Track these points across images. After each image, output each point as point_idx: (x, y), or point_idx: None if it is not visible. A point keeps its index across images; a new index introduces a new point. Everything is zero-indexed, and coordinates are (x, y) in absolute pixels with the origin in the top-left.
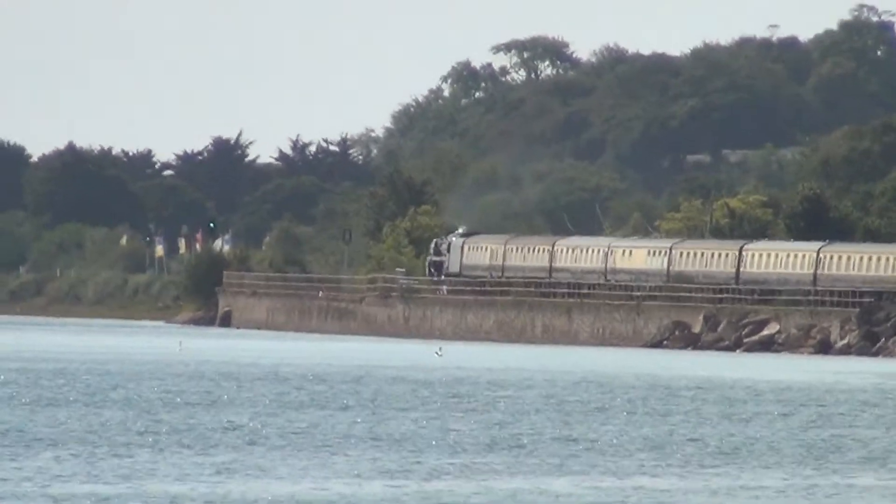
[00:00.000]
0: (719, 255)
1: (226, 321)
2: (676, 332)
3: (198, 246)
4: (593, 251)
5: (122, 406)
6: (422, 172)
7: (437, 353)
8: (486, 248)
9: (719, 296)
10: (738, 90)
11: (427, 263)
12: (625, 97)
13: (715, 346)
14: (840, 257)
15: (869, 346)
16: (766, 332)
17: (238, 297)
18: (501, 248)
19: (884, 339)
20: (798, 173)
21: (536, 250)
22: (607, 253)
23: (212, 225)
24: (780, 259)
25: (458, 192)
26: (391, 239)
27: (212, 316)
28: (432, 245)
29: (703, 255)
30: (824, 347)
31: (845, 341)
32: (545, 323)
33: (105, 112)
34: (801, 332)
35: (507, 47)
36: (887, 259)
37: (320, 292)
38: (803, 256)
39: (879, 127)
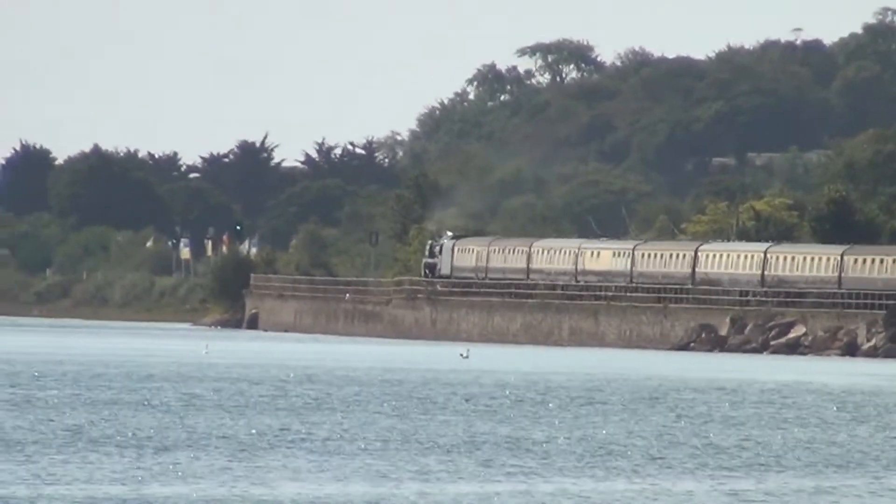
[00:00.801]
0: (676, 255)
1: (252, 324)
2: (703, 335)
3: (224, 248)
4: (565, 252)
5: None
6: (447, 175)
7: (461, 356)
8: (473, 251)
9: (745, 298)
10: (762, 93)
11: (422, 265)
12: (649, 100)
13: (742, 348)
14: (785, 258)
15: (895, 347)
16: (792, 334)
17: (265, 299)
18: (485, 250)
19: None
20: (823, 176)
21: (515, 252)
22: (578, 254)
23: (238, 227)
24: (732, 259)
25: (481, 193)
26: (417, 241)
27: (238, 318)
28: (427, 247)
29: (661, 256)
30: (851, 349)
31: (872, 343)
32: (572, 325)
33: (131, 115)
34: (828, 335)
35: (532, 50)
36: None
37: (347, 295)
38: (752, 257)
39: None
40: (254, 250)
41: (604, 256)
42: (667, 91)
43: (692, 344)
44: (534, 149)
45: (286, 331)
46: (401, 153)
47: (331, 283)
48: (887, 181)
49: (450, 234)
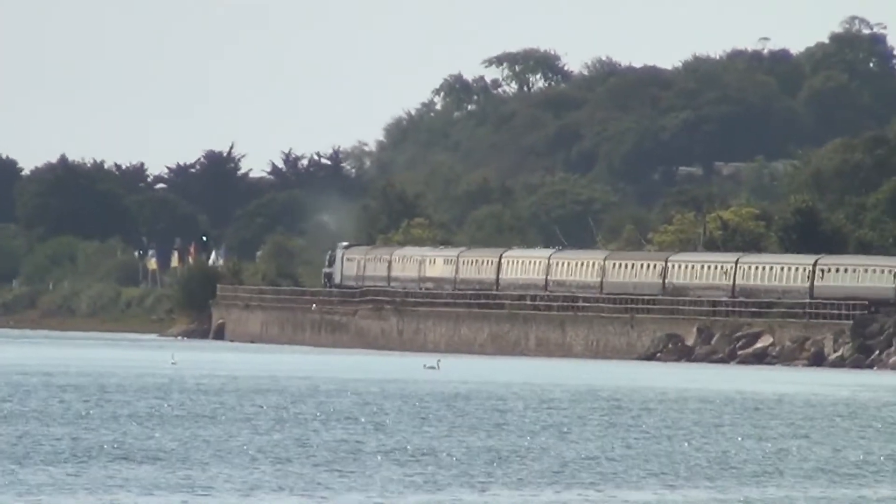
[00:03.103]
0: (485, 262)
1: (219, 334)
2: (670, 345)
3: (191, 259)
4: (413, 261)
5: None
6: (414, 185)
7: (425, 366)
8: (354, 260)
9: (713, 308)
10: (729, 103)
11: (322, 274)
12: (616, 110)
13: (708, 358)
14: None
15: (863, 358)
16: (759, 344)
17: (231, 309)
18: (363, 259)
19: (877, 352)
20: (790, 186)
21: (381, 261)
22: (420, 263)
23: (204, 238)
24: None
25: (447, 203)
26: None
27: (205, 329)
28: (327, 256)
29: (475, 261)
30: (818, 360)
31: (839, 354)
32: (539, 336)
33: (97, 125)
34: (795, 345)
35: (498, 60)
36: (722, 266)
37: (314, 305)
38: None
39: (871, 139)
40: (220, 261)
41: (437, 264)
42: (634, 100)
43: (658, 354)
44: (501, 158)
45: (252, 341)
46: (368, 163)
47: (297, 294)
48: (854, 191)
49: (344, 243)
